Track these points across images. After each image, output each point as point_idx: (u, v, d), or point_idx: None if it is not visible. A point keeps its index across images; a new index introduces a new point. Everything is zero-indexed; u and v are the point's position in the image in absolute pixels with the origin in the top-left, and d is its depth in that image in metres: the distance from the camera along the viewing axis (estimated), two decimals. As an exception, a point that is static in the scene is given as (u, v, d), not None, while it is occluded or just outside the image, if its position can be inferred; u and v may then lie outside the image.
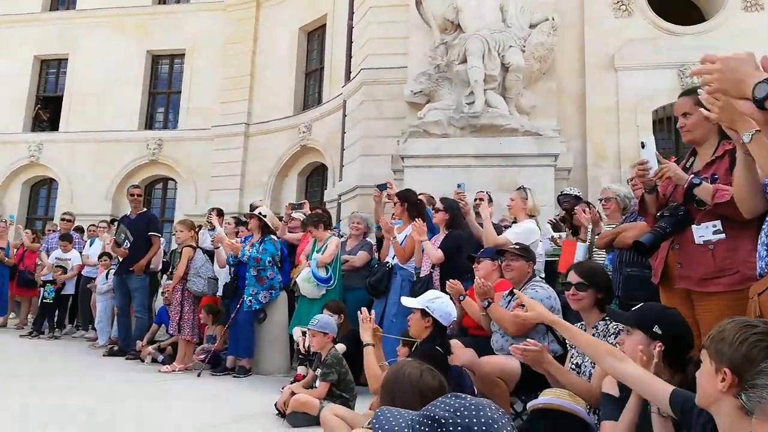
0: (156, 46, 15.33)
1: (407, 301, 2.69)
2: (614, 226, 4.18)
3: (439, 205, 4.76)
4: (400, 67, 9.63)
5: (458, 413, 1.22)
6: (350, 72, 11.46)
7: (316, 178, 13.84)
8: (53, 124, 15.55)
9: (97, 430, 3.16)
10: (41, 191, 15.92)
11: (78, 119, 15.05)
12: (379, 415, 1.27)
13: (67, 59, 15.42)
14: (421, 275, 4.51)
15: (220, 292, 5.91)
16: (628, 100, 9.20)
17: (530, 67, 8.42)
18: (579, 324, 2.57)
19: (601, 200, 4.66)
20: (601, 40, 9.36)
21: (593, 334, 2.41)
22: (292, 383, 4.16)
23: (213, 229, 6.42)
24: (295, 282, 5.33)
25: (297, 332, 4.64)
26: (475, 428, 1.19)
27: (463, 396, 1.31)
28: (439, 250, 4.37)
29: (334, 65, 12.63)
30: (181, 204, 14.66)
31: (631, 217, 4.06)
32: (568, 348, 2.68)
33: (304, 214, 6.70)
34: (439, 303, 2.53)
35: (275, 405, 3.66)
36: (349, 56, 11.70)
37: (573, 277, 2.58)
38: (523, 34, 8.51)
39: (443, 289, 3.69)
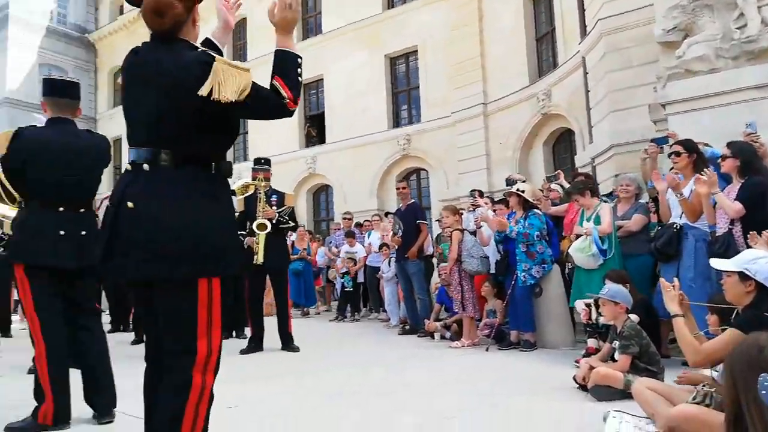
0: (391, 49, 16.52)
1: (719, 264, 2.45)
2: None
3: (725, 151, 4.20)
4: (643, 6, 8.68)
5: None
6: (585, 26, 10.74)
7: (562, 144, 13.34)
8: (321, 138, 17.96)
9: (411, 398, 3.61)
10: (321, 197, 18.56)
11: (338, 130, 17.12)
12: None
13: (323, 79, 17.65)
14: (717, 233, 4.04)
15: (492, 269, 6.16)
16: None
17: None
18: None
19: None
20: None
21: None
22: (584, 356, 4.15)
23: (473, 210, 6.70)
24: (568, 254, 5.27)
25: (579, 305, 4.58)
26: None
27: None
28: (737, 202, 3.86)
29: (566, 24, 11.98)
30: (435, 190, 15.60)
31: None
32: None
33: (561, 185, 6.56)
34: (762, 264, 2.26)
35: (574, 378, 3.70)
36: (581, 10, 10.97)
37: None
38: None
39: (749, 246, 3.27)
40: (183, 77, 1.78)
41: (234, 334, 7.08)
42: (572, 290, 5.12)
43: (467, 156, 14.41)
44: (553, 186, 6.50)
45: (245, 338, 6.67)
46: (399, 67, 16.88)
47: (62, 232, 2.92)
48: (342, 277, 9.20)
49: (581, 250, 4.88)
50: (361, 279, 9.27)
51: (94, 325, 3.15)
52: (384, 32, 16.50)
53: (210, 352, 1.86)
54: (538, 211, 5.68)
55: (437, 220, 9.54)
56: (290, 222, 5.87)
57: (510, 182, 6.58)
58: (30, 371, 4.55)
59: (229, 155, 15.06)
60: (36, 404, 2.90)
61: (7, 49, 22.73)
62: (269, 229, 5.57)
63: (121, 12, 24.28)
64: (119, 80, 2.10)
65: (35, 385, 2.92)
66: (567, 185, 6.39)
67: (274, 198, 5.79)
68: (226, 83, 1.73)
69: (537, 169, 13.19)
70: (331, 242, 11.15)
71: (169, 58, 1.83)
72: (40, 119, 3.33)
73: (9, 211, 5.81)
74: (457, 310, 6.08)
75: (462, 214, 6.91)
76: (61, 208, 2.96)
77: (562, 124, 12.75)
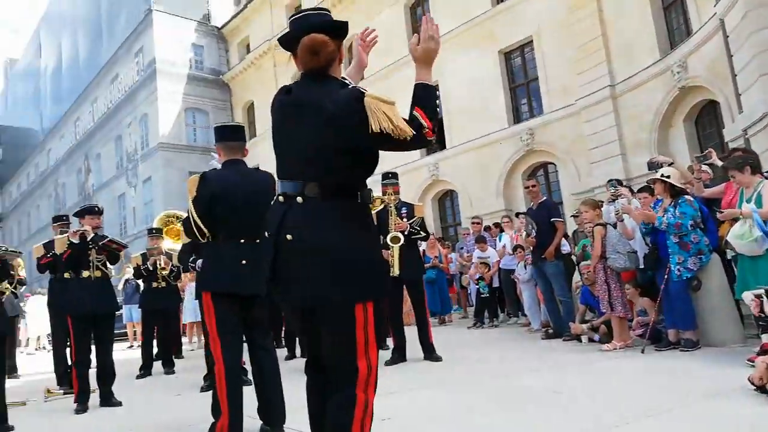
0: (505, 43, 16.16)
1: None
2: None
3: None
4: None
5: None
6: (721, -15, 9.72)
7: (706, 119, 12.13)
8: (441, 144, 18.02)
9: (572, 406, 3.45)
10: (446, 202, 18.58)
11: (458, 133, 17.05)
12: None
13: (438, 84, 17.71)
14: None
15: (641, 265, 5.74)
16: None
17: None
18: None
19: None
20: None
21: None
22: (758, 354, 3.71)
23: (613, 201, 6.26)
24: (726, 241, 4.75)
25: (748, 297, 4.10)
26: None
27: None
28: None
29: (698, -15, 10.94)
30: (565, 184, 14.92)
31: None
32: None
33: (714, 163, 5.90)
34: None
35: (749, 380, 3.32)
36: (714, -33, 9.95)
37: None
38: None
39: None
40: (339, 113, 1.88)
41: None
42: (737, 281, 4.60)
43: (597, 143, 13.62)
44: (703, 167, 5.88)
45: (388, 349, 6.85)
46: (514, 61, 16.44)
47: (243, 262, 3.22)
48: (477, 283, 9.10)
49: (741, 237, 4.37)
50: (496, 283, 9.10)
51: (269, 345, 3.44)
52: (496, 27, 16.19)
53: (369, 370, 1.95)
54: (688, 197, 5.19)
55: (572, 216, 9.10)
56: (422, 232, 5.93)
57: (654, 166, 5.96)
58: (202, 389, 5.06)
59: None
60: (213, 420, 3.20)
61: (157, 99, 25.67)
62: (402, 241, 5.68)
63: (248, 50, 26.32)
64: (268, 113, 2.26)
65: (213, 401, 3.22)
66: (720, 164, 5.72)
67: (404, 210, 5.89)
68: (378, 117, 1.81)
69: (679, 148, 12.11)
70: (462, 248, 11.09)
71: (324, 95, 1.93)
72: (213, 163, 3.75)
73: (175, 245, 6.50)
74: (604, 311, 5.72)
75: (602, 206, 6.51)
76: (242, 240, 3.27)
77: (703, 96, 11.61)
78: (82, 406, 4.68)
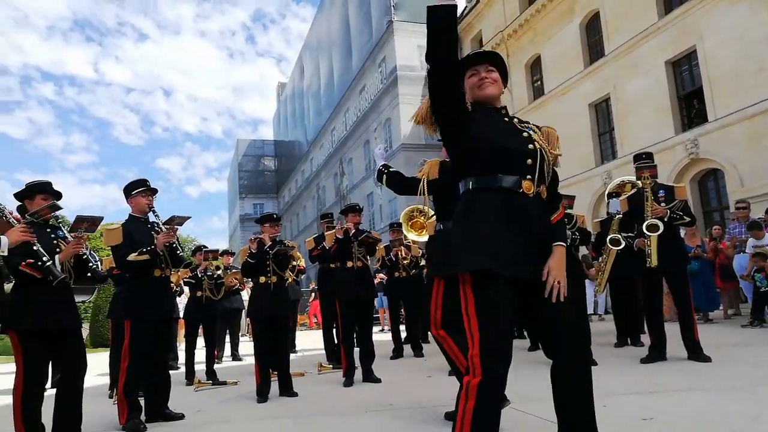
0: (783, -11, 13.38)
1: None
2: None
3: None
4: None
5: None
6: None
7: None
8: (701, 117, 15.75)
9: None
10: (708, 183, 16.19)
11: (723, 103, 14.68)
12: None
13: (695, 51, 15.51)
14: None
15: None
16: None
17: None
18: None
19: None
20: None
21: None
22: None
23: None
24: None
25: None
26: None
27: None
28: None
29: None
30: None
31: None
32: None
33: None
34: None
35: None
36: None
37: None
38: None
39: None
40: None
41: (629, 341, 6.73)
42: None
43: None
44: None
45: (642, 346, 6.27)
46: (798, 8, 13.48)
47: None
48: (752, 276, 7.73)
49: None
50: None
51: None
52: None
53: None
54: None
55: None
56: (685, 217, 5.26)
57: None
58: (450, 374, 5.29)
59: (597, 154, 14.77)
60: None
61: (399, 104, 27.68)
62: (661, 229, 5.10)
63: (481, 45, 26.61)
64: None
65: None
66: None
67: (661, 193, 5.30)
68: None
69: None
70: (727, 235, 9.54)
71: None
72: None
73: (419, 237, 6.89)
74: None
75: None
76: None
77: None
78: (349, 380, 5.29)
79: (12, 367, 3.69)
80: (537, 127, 2.16)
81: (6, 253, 3.12)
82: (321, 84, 42.13)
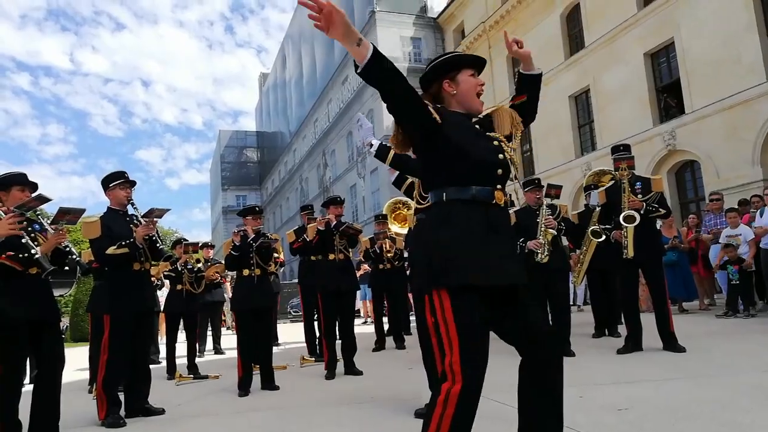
0: (759, -19, 13.58)
1: None
2: None
3: None
4: None
5: None
6: None
7: None
8: (679, 109, 15.97)
9: None
10: (685, 175, 16.46)
11: (700, 94, 14.91)
12: None
13: (672, 43, 15.70)
14: None
15: None
16: None
17: None
18: None
19: None
20: None
21: None
22: None
23: None
24: None
25: None
26: None
27: None
28: None
29: None
30: None
31: None
32: None
33: None
34: None
35: None
36: None
37: None
38: None
39: None
40: None
41: (607, 332, 6.84)
42: None
43: None
44: None
45: (619, 336, 6.39)
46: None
47: None
48: (724, 268, 7.89)
49: None
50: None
51: None
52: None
53: None
54: None
55: None
56: (660, 209, 5.35)
57: None
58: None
59: (577, 146, 14.90)
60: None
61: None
62: (638, 221, 5.19)
63: (463, 36, 26.60)
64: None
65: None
66: None
67: (638, 185, 5.38)
68: None
69: None
70: (703, 227, 9.71)
71: None
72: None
73: (401, 230, 6.89)
74: None
75: None
76: None
77: None
78: (331, 373, 5.31)
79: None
80: (488, 114, 2.15)
81: None
82: (303, 75, 41.84)
